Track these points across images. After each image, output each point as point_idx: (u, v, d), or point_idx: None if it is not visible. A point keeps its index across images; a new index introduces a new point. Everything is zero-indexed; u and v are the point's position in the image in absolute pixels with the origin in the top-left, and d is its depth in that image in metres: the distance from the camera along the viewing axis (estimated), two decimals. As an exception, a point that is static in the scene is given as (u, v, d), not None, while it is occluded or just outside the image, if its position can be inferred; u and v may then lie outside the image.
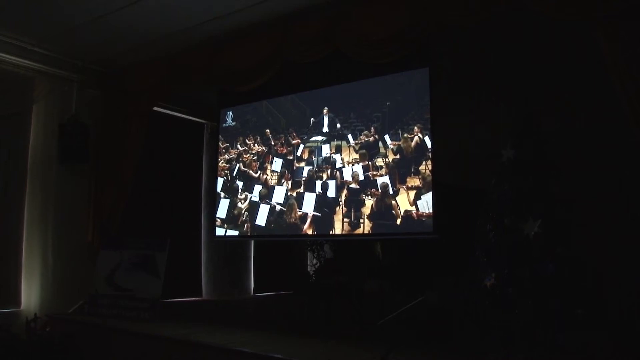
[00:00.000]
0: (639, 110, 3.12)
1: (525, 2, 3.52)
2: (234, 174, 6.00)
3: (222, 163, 6.16)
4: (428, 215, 4.54)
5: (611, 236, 4.16)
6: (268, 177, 5.70)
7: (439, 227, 4.49)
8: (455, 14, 3.86)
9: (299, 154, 5.51)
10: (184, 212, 6.97)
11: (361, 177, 4.99)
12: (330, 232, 5.19)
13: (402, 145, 4.80)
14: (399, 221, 4.70)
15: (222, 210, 6.04)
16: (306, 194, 5.36)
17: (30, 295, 5.30)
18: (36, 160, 5.51)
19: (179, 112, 6.94)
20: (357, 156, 5.08)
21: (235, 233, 5.91)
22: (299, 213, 5.35)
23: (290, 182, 5.49)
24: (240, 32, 4.99)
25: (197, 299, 6.95)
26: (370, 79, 5.05)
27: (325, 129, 5.36)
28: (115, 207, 5.72)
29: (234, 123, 6.14)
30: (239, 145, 6.03)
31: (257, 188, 5.76)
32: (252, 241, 7.37)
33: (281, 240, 6.62)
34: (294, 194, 5.43)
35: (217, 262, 7.15)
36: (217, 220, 6.08)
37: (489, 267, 3.70)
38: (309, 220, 5.29)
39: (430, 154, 4.60)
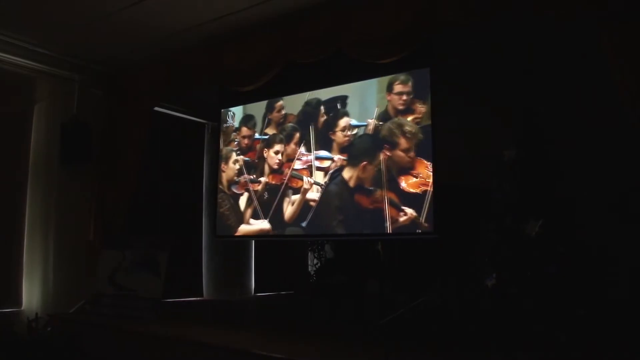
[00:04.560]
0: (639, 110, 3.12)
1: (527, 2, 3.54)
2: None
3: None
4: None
5: (613, 236, 4.15)
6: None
7: (440, 227, 4.49)
8: (457, 14, 3.85)
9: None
10: (185, 211, 6.98)
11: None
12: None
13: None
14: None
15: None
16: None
17: (31, 295, 5.30)
18: (38, 160, 5.51)
19: (180, 112, 6.95)
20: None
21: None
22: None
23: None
24: (242, 31, 4.99)
25: (197, 298, 6.95)
26: (372, 79, 5.05)
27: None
28: (117, 207, 5.72)
29: (236, 123, 6.14)
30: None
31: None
32: (253, 241, 7.37)
33: (281, 240, 6.61)
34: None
35: (218, 262, 7.15)
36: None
37: (490, 268, 3.71)
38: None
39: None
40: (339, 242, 6.20)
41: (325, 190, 5.18)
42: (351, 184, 5.02)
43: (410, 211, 4.62)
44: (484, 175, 4.15)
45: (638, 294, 3.97)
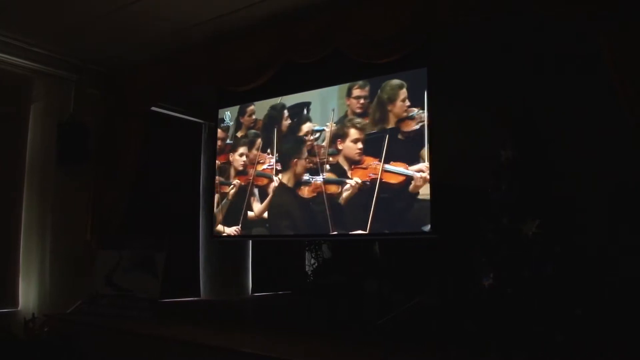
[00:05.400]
0: (637, 111, 3.13)
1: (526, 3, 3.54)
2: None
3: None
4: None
5: (610, 236, 4.17)
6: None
7: (438, 227, 4.49)
8: (456, 14, 3.86)
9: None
10: (182, 212, 6.97)
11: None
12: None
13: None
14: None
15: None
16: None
17: (28, 295, 5.29)
18: (34, 160, 5.50)
19: (178, 112, 6.95)
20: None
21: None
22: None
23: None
24: (240, 31, 4.99)
25: (195, 299, 6.94)
26: (370, 79, 5.06)
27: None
28: (114, 207, 5.71)
29: (232, 123, 6.15)
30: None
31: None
32: (250, 241, 7.36)
33: (279, 240, 6.61)
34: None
35: (215, 262, 7.15)
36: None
37: (487, 267, 3.71)
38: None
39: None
40: (337, 242, 6.22)
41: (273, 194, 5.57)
42: (290, 184, 5.43)
43: (353, 180, 4.93)
44: (481, 175, 4.15)
45: (635, 294, 3.98)
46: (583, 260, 3.61)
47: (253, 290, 7.59)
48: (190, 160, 7.23)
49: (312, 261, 7.63)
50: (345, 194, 4.98)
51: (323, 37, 4.53)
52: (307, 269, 7.79)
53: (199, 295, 7.04)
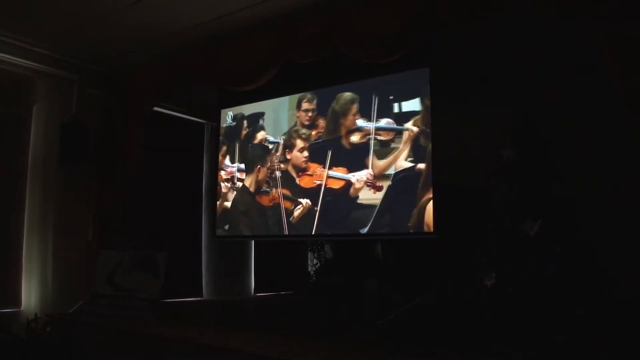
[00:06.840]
0: (637, 111, 3.12)
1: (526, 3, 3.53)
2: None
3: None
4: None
5: (611, 236, 4.16)
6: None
7: (439, 227, 4.49)
8: (456, 15, 3.85)
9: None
10: (185, 212, 6.98)
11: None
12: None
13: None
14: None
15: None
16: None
17: (30, 295, 5.30)
18: (36, 161, 5.51)
19: (180, 112, 6.94)
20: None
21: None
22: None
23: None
24: (241, 32, 4.99)
25: (197, 299, 6.95)
26: (371, 79, 5.06)
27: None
28: (116, 207, 5.72)
29: (234, 123, 6.16)
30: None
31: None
32: (253, 241, 7.37)
33: (281, 240, 6.62)
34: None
35: (218, 262, 7.15)
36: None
37: (489, 267, 3.70)
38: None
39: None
40: (338, 242, 6.22)
41: (234, 197, 6.06)
42: (252, 189, 5.89)
43: (305, 201, 5.38)
44: (481, 175, 4.15)
45: (636, 293, 3.97)
46: (583, 260, 3.59)
47: (255, 291, 7.58)
48: (192, 159, 7.23)
49: (315, 261, 7.62)
50: (296, 213, 5.44)
51: (323, 37, 4.53)
52: (309, 269, 7.78)
53: (201, 296, 7.04)
